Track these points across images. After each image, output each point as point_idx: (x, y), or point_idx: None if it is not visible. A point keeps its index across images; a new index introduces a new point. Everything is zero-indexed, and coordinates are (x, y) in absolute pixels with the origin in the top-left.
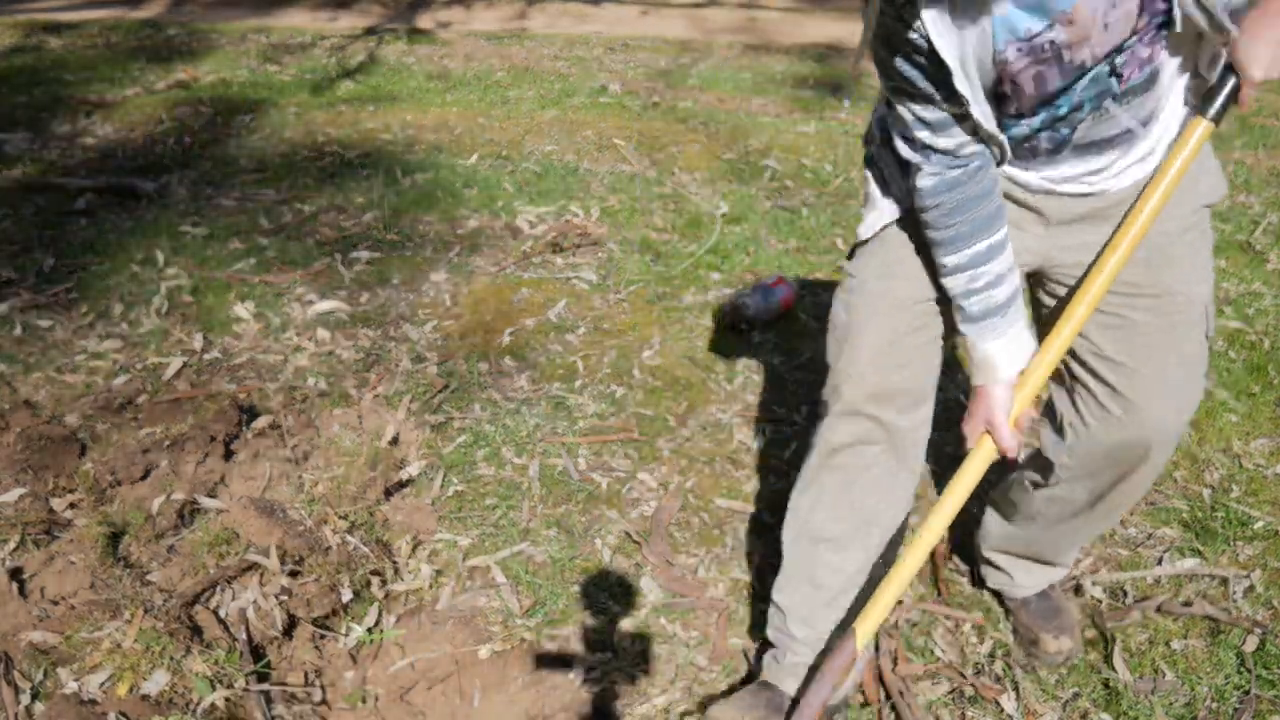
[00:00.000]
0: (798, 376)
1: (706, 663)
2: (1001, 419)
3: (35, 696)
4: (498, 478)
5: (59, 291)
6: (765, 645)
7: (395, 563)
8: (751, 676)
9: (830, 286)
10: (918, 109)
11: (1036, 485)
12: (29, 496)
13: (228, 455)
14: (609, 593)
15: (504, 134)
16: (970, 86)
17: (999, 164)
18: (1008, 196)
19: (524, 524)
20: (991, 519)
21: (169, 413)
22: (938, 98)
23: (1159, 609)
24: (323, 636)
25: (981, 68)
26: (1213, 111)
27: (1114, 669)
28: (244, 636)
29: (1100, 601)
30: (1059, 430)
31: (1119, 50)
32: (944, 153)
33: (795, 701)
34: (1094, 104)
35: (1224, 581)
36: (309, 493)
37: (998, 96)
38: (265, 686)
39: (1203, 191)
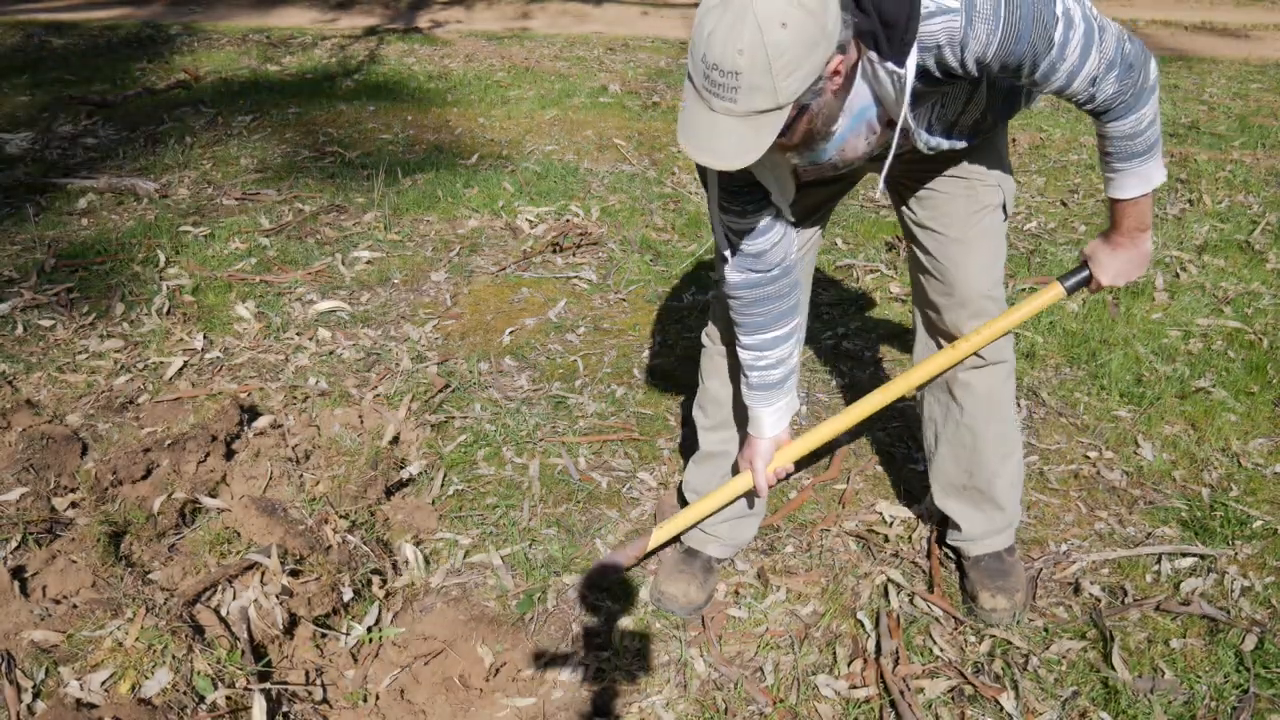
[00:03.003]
0: None
1: (705, 662)
2: (760, 465)
3: (37, 695)
4: (498, 477)
5: (60, 291)
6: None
7: (396, 562)
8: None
9: (830, 286)
10: (730, 221)
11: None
12: (30, 496)
13: (229, 455)
14: (609, 593)
15: (504, 134)
16: (778, 189)
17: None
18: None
19: (524, 523)
20: (931, 465)
21: (170, 412)
22: (749, 209)
23: (1158, 608)
24: (324, 636)
25: (784, 180)
26: (1068, 284)
27: (1113, 668)
28: (245, 636)
29: (1100, 601)
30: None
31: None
32: (750, 255)
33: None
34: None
35: (1223, 580)
36: (310, 492)
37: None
38: (266, 685)
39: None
